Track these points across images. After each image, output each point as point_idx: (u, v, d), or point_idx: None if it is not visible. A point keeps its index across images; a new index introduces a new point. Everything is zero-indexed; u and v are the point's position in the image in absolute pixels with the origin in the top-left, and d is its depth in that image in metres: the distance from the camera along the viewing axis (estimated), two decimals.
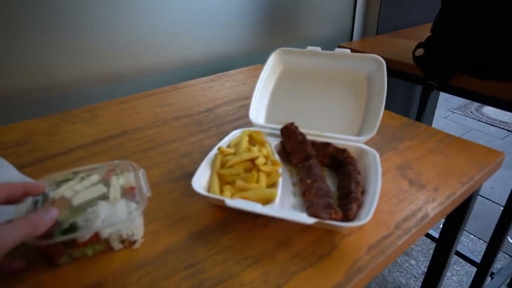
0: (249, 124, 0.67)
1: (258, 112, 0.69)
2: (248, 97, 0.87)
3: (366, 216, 0.44)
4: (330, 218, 0.44)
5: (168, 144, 0.68)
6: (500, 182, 2.24)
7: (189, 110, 0.81)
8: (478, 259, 1.36)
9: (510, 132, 3.07)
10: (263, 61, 0.75)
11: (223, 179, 0.52)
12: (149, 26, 0.95)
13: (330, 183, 0.55)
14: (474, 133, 3.10)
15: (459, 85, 0.98)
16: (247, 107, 0.82)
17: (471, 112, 3.39)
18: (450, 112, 3.41)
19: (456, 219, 0.71)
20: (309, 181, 0.53)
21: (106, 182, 0.48)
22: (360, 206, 0.47)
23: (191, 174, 0.52)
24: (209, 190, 0.50)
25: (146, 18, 0.94)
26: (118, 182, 0.48)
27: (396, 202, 0.53)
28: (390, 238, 0.46)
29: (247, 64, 1.12)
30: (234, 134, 0.63)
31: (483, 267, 1.26)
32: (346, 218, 0.46)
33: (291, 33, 1.31)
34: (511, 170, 2.45)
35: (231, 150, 0.57)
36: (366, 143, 0.60)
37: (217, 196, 0.48)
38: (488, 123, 3.22)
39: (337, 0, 1.37)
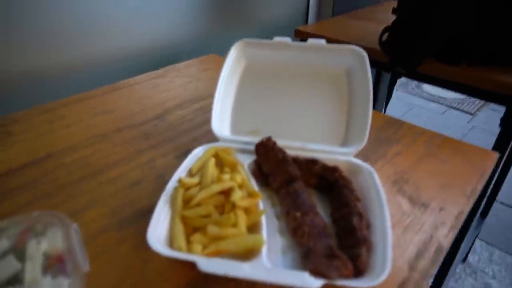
0: (211, 134, 0.54)
1: (222, 122, 0.56)
2: (205, 97, 0.73)
3: (383, 268, 0.34)
4: (341, 276, 0.34)
5: (109, 170, 0.53)
6: None
7: (133, 119, 0.66)
8: None
9: (448, 108, 3.23)
10: (215, 49, 0.61)
11: (189, 223, 0.40)
12: (78, 11, 0.77)
13: (321, 209, 0.45)
14: (417, 110, 3.22)
15: (428, 72, 0.92)
16: (205, 110, 0.69)
17: (412, 89, 3.51)
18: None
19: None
20: (298, 214, 0.42)
21: (19, 251, 0.33)
22: (369, 248, 0.38)
23: (144, 212, 0.39)
24: (172, 244, 0.38)
25: (75, 1, 0.75)
26: (38, 249, 0.33)
27: (402, 231, 0.44)
28: (409, 286, 0.37)
29: (197, 52, 0.97)
30: (196, 154, 0.50)
31: None
32: (356, 269, 0.36)
33: (243, 16, 1.17)
34: None
35: (195, 180, 0.44)
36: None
37: (185, 254, 0.36)
38: (428, 100, 3.35)
39: None
